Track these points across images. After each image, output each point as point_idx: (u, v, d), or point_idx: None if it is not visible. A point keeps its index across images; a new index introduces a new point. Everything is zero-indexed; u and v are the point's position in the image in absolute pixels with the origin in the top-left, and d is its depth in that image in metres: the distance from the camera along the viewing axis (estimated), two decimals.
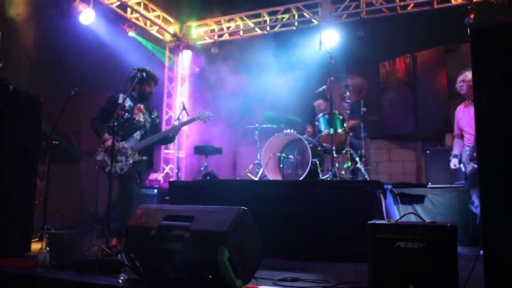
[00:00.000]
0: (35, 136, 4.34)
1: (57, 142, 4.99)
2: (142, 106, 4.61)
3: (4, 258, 3.53)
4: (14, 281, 3.00)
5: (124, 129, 4.33)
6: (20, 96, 4.15)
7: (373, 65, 7.76)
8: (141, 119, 4.55)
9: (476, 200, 4.41)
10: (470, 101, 4.45)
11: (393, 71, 7.69)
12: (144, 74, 4.18)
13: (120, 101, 4.25)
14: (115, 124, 3.84)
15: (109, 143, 4.23)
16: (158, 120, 4.83)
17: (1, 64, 4.36)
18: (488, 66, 2.23)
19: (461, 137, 4.57)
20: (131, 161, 4.36)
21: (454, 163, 4.56)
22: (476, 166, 4.11)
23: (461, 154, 4.50)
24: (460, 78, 4.54)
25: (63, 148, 7.05)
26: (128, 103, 4.47)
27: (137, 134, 4.46)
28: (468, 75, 4.40)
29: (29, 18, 6.27)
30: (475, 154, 4.17)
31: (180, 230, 2.62)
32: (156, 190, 6.36)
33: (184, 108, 5.69)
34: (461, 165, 4.46)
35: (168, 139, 4.76)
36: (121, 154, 4.32)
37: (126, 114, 4.39)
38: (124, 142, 4.36)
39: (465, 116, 4.50)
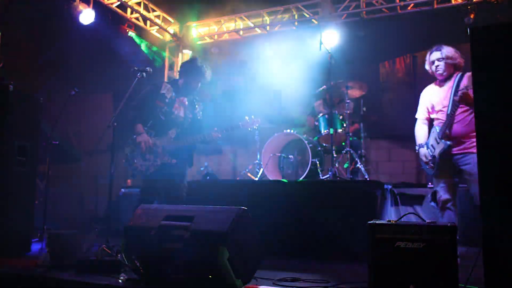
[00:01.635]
0: (35, 136, 4.34)
1: (57, 142, 4.99)
2: (185, 100, 4.07)
3: (4, 258, 3.53)
4: (14, 281, 3.00)
5: (160, 124, 3.92)
6: (20, 96, 4.15)
7: (373, 65, 7.75)
8: (181, 114, 4.02)
9: (442, 192, 3.62)
10: (442, 80, 3.90)
11: (393, 71, 7.68)
12: (194, 64, 4.01)
13: (163, 91, 3.95)
14: (115, 124, 3.62)
15: (140, 139, 3.83)
16: (201, 114, 4.19)
17: (1, 64, 4.36)
18: (488, 66, 2.23)
19: (427, 121, 3.97)
20: (159, 163, 3.88)
21: (424, 154, 3.74)
22: (449, 142, 3.55)
23: (426, 141, 3.81)
24: (433, 57, 3.89)
25: (63, 148, 7.04)
26: (171, 93, 3.99)
27: (172, 132, 3.95)
28: (446, 51, 3.83)
29: (29, 18, 6.27)
30: (447, 131, 3.62)
31: (180, 230, 2.63)
32: None
33: None
34: (428, 150, 3.74)
35: (205, 142, 4.19)
36: (150, 152, 3.87)
37: (165, 107, 3.94)
38: (156, 138, 3.91)
39: (440, 93, 3.88)
